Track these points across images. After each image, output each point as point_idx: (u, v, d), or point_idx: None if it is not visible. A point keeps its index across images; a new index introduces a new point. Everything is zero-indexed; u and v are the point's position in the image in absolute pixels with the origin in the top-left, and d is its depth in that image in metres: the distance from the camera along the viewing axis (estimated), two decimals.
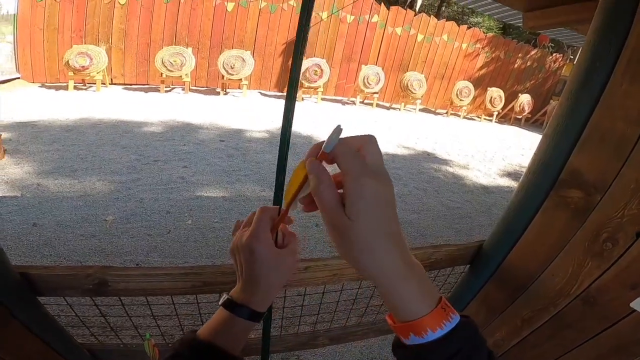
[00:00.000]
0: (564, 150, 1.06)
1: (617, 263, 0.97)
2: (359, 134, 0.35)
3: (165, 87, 7.24)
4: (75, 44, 6.51)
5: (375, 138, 0.35)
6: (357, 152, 0.33)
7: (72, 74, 6.36)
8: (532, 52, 10.57)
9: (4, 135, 3.78)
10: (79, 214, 2.76)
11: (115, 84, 7.29)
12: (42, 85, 6.60)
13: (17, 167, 3.36)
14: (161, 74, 6.94)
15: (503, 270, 1.31)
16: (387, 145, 5.81)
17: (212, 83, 7.99)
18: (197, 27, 7.45)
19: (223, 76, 7.38)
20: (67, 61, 6.23)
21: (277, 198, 0.83)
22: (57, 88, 6.50)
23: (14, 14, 6.27)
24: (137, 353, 1.36)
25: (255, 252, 0.42)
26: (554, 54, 11.08)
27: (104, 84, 6.87)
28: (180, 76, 7.07)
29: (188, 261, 2.43)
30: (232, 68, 7.25)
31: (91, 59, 6.34)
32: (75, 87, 6.54)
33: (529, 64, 10.67)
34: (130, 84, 7.40)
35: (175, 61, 6.90)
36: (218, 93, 7.65)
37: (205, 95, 7.39)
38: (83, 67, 6.28)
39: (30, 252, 2.29)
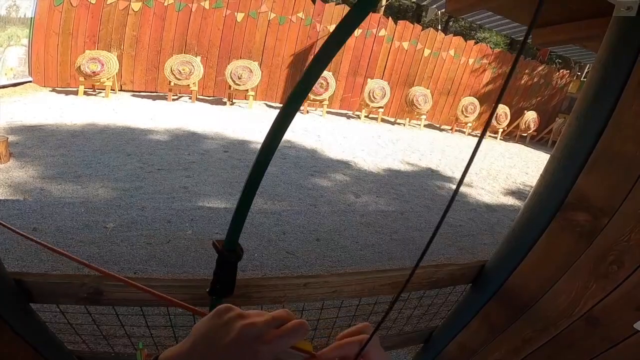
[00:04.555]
0: (572, 173, 1.03)
1: (622, 285, 0.94)
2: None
3: (173, 95, 7.32)
4: (88, 49, 6.61)
5: None
6: None
7: (83, 79, 6.45)
8: (539, 68, 10.52)
9: (11, 138, 3.82)
10: (79, 220, 2.75)
11: (124, 90, 7.38)
12: (53, 90, 6.69)
13: (22, 170, 3.38)
14: (169, 82, 7.01)
15: (505, 290, 1.28)
16: (391, 161, 5.79)
17: (219, 93, 8.06)
18: (206, 36, 7.57)
19: (230, 86, 7.44)
20: (79, 66, 6.33)
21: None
22: (67, 93, 6.60)
23: (31, 17, 6.33)
24: None
25: (257, 356, 0.34)
26: (561, 71, 11.03)
27: (113, 90, 6.95)
28: (188, 85, 7.14)
29: (187, 271, 2.40)
30: (240, 78, 7.32)
31: (102, 65, 6.42)
32: (85, 93, 6.63)
33: (535, 80, 10.60)
34: (139, 91, 7.49)
35: (183, 69, 6.99)
36: (224, 103, 7.71)
37: (212, 104, 7.45)
38: (94, 72, 6.37)
39: (28, 256, 2.27)
